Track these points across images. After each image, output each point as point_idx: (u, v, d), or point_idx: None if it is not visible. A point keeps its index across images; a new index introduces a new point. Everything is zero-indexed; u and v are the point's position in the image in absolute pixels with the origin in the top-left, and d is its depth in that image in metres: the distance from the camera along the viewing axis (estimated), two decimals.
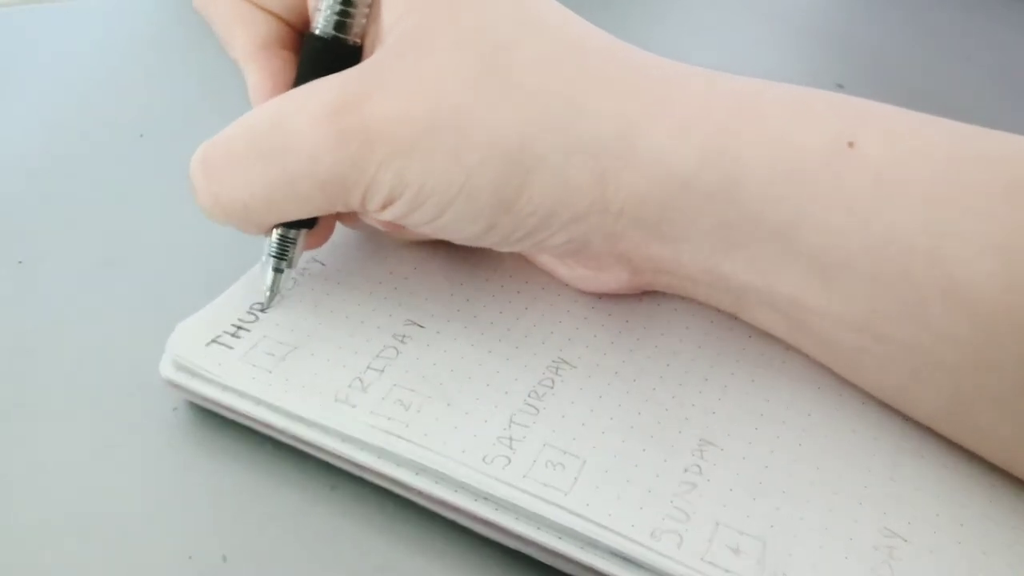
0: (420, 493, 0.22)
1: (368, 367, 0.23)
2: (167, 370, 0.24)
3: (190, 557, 0.21)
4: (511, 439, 0.22)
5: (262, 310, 0.25)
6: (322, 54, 0.23)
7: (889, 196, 0.21)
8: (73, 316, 0.27)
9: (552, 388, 0.23)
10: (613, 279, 0.26)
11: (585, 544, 0.20)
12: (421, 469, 0.21)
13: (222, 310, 0.25)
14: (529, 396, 0.23)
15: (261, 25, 0.24)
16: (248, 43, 0.24)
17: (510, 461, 0.21)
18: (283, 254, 0.25)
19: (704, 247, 0.23)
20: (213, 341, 0.24)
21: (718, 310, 0.27)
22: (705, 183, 0.22)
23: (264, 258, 0.25)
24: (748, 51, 0.45)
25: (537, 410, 0.23)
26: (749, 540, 0.20)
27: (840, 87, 0.40)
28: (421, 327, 0.25)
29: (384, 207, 0.23)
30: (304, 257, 0.26)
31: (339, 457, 0.22)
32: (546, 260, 0.27)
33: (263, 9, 0.25)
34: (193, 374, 0.23)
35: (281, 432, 0.23)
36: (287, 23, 0.25)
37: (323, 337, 0.24)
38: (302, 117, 0.22)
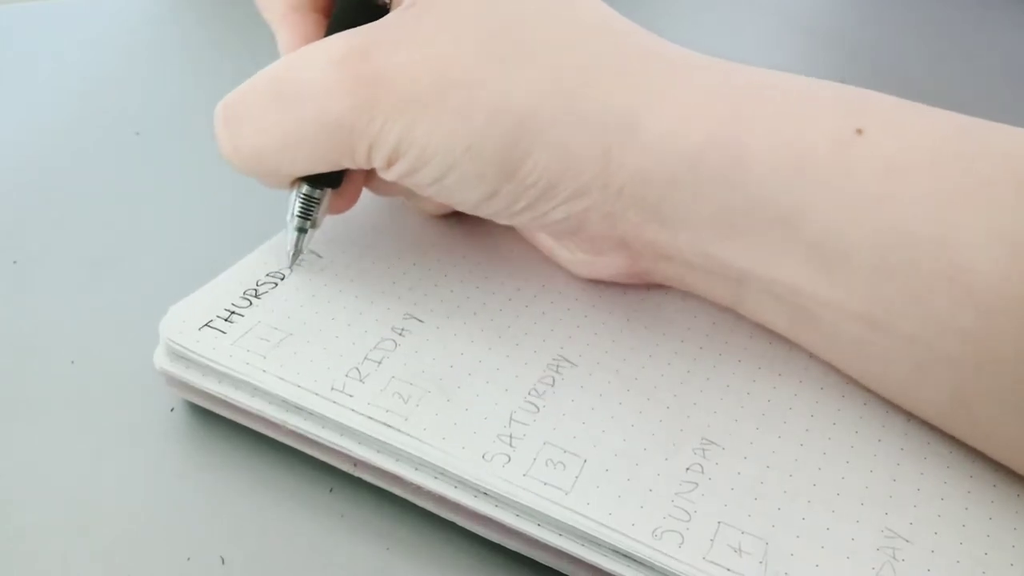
0: (419, 490, 0.21)
1: (366, 358, 0.23)
2: (161, 360, 0.23)
3: (188, 559, 0.21)
4: (511, 437, 0.22)
5: (289, 268, 0.25)
6: (351, 12, 0.24)
7: (896, 185, 0.21)
8: (68, 316, 0.27)
9: (553, 386, 0.23)
10: (611, 264, 0.26)
11: (586, 542, 0.20)
12: (420, 464, 0.21)
13: (215, 294, 0.25)
14: (529, 394, 0.23)
15: None
16: (281, 4, 0.25)
17: (510, 459, 0.21)
18: (307, 213, 0.25)
19: (704, 232, 0.23)
20: (206, 325, 0.24)
21: (719, 308, 0.26)
22: (710, 166, 0.22)
23: (288, 218, 0.25)
24: (749, 49, 0.45)
25: (537, 408, 0.23)
26: (751, 540, 0.20)
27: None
28: (420, 321, 0.25)
29: (389, 164, 0.23)
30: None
31: (337, 453, 0.22)
32: (544, 241, 0.27)
33: None
34: (187, 361, 0.23)
35: (278, 428, 0.23)
36: None
37: (319, 326, 0.24)
38: (315, 64, 0.22)
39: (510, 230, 0.29)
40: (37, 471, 0.22)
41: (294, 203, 0.25)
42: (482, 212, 0.24)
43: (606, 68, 0.22)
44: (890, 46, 0.49)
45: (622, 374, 0.24)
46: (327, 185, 0.25)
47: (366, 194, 0.28)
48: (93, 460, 0.23)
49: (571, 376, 0.24)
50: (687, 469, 0.21)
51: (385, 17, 0.23)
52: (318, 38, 0.24)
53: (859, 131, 0.21)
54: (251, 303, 0.25)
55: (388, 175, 0.23)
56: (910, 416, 0.24)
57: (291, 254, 0.26)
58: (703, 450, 0.22)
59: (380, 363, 0.23)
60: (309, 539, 0.21)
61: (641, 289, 0.27)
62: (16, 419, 0.24)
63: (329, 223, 0.28)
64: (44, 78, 0.40)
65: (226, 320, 0.24)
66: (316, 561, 0.21)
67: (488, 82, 0.22)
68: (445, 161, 0.22)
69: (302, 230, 0.25)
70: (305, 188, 0.25)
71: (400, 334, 0.24)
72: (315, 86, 0.22)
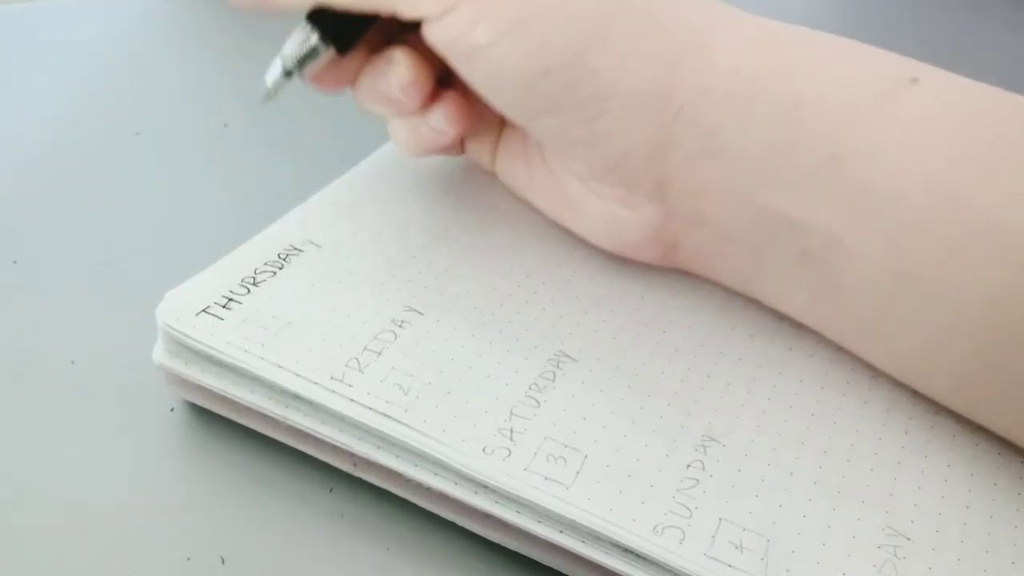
0: (419, 488, 0.21)
1: (365, 348, 0.23)
2: (160, 355, 0.23)
3: (188, 559, 0.21)
4: (512, 431, 0.22)
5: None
6: None
7: (941, 138, 0.21)
8: (69, 316, 0.27)
9: (553, 381, 0.23)
10: (641, 222, 0.25)
11: (587, 538, 0.20)
12: (420, 458, 0.21)
13: (213, 280, 0.24)
14: (530, 389, 0.23)
15: None
16: None
17: (510, 453, 0.21)
18: (302, 62, 0.24)
19: (750, 172, 0.23)
20: (203, 311, 0.23)
21: (721, 306, 0.26)
22: (766, 96, 0.22)
23: (281, 55, 0.24)
24: None
25: (538, 403, 0.22)
26: (752, 536, 0.20)
27: None
28: (420, 314, 0.25)
29: (444, 15, 0.22)
30: (301, 239, 0.26)
31: (337, 451, 0.22)
32: (572, 187, 0.26)
33: None
34: (186, 356, 0.23)
35: (278, 425, 0.22)
36: None
37: (318, 316, 0.24)
38: None
39: (515, 222, 0.29)
40: (37, 471, 0.22)
41: (295, 44, 0.24)
42: (530, 108, 0.23)
43: None
44: (890, 46, 0.49)
45: (623, 370, 0.24)
46: (336, 43, 0.24)
47: (365, 186, 0.27)
48: (93, 460, 0.23)
49: (572, 371, 0.24)
50: (688, 466, 0.21)
51: None
52: None
53: (914, 80, 0.22)
54: (249, 290, 0.24)
55: (439, 28, 0.22)
56: (912, 414, 0.24)
57: (267, 92, 0.24)
58: (704, 447, 0.22)
59: (380, 354, 0.23)
60: (309, 539, 0.21)
61: (644, 286, 0.27)
62: (16, 419, 0.24)
63: (329, 213, 0.28)
64: (44, 78, 0.40)
65: (224, 307, 0.24)
66: (316, 561, 0.21)
67: None
68: (512, 17, 0.21)
69: (288, 73, 0.24)
70: (315, 36, 0.24)
71: (400, 326, 0.24)
72: None
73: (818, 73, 0.22)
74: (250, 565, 0.21)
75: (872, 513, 0.21)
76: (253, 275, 0.25)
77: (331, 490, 0.22)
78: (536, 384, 0.23)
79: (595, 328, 0.25)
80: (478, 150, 0.29)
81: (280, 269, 0.25)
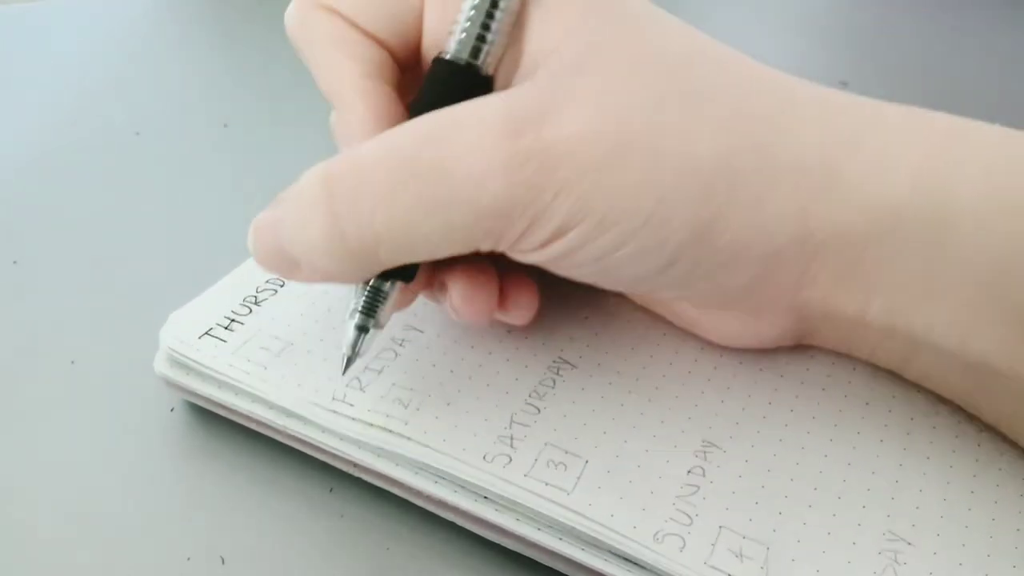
0: (419, 494, 0.21)
1: (366, 367, 0.23)
2: (161, 366, 0.23)
3: (188, 558, 0.21)
4: (512, 438, 0.22)
5: (282, 285, 0.23)
6: (452, 81, 0.21)
7: None
8: (69, 316, 0.27)
9: (553, 388, 0.23)
10: (771, 328, 0.23)
11: (586, 545, 0.20)
12: (420, 468, 0.21)
13: (215, 301, 0.25)
14: (530, 396, 0.23)
15: (369, 53, 0.22)
16: (354, 72, 0.21)
17: (511, 460, 0.21)
18: (371, 310, 0.21)
19: (900, 296, 0.21)
20: (206, 333, 0.24)
21: None
22: (915, 218, 0.20)
23: (348, 313, 0.21)
24: (750, 47, 0.45)
25: (538, 410, 0.22)
26: (752, 544, 0.20)
27: (844, 84, 0.40)
28: (420, 332, 0.25)
29: (550, 241, 0.20)
30: None
31: (337, 456, 0.22)
32: (688, 313, 0.24)
33: (372, 37, 0.22)
34: (187, 369, 0.23)
35: (279, 431, 0.23)
36: (394, 54, 0.22)
37: (319, 336, 0.24)
38: (465, 137, 0.19)
39: None
40: (37, 471, 0.22)
41: (359, 297, 0.21)
42: (644, 287, 0.22)
43: (789, 114, 0.20)
44: (891, 44, 0.49)
45: (623, 375, 0.24)
46: (399, 278, 0.21)
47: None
48: (93, 460, 0.23)
49: (572, 378, 0.24)
50: (688, 472, 0.21)
51: (531, 83, 0.20)
52: (395, 115, 0.21)
53: None
54: (251, 310, 0.25)
55: (541, 255, 0.20)
56: (913, 416, 0.24)
57: (346, 356, 0.21)
58: (704, 452, 0.22)
59: (381, 372, 0.23)
60: (309, 539, 0.21)
61: None
62: (16, 419, 0.24)
63: None
64: (44, 78, 0.39)
65: (226, 328, 0.24)
66: (316, 561, 0.21)
67: (672, 134, 0.19)
68: (626, 230, 0.19)
69: (363, 328, 0.21)
70: (374, 280, 0.21)
71: (401, 344, 0.24)
72: (470, 161, 0.19)
73: (974, 173, 0.20)
74: (250, 565, 0.21)
75: (873, 518, 0.21)
76: (255, 294, 0.25)
77: (331, 490, 0.22)
78: (536, 391, 0.23)
79: (595, 332, 0.25)
80: None
81: (281, 287, 0.26)
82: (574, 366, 0.24)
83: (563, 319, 0.26)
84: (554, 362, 0.24)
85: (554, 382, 0.23)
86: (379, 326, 0.21)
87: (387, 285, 0.21)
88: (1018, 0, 0.54)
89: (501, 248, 0.20)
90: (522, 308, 0.23)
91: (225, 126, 0.37)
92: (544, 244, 0.20)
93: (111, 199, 0.32)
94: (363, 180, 0.19)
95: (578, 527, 0.20)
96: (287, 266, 0.20)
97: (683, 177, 0.19)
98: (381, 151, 0.19)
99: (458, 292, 0.22)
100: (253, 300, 0.25)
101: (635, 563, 0.20)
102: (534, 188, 0.19)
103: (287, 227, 0.20)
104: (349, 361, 0.21)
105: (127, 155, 0.35)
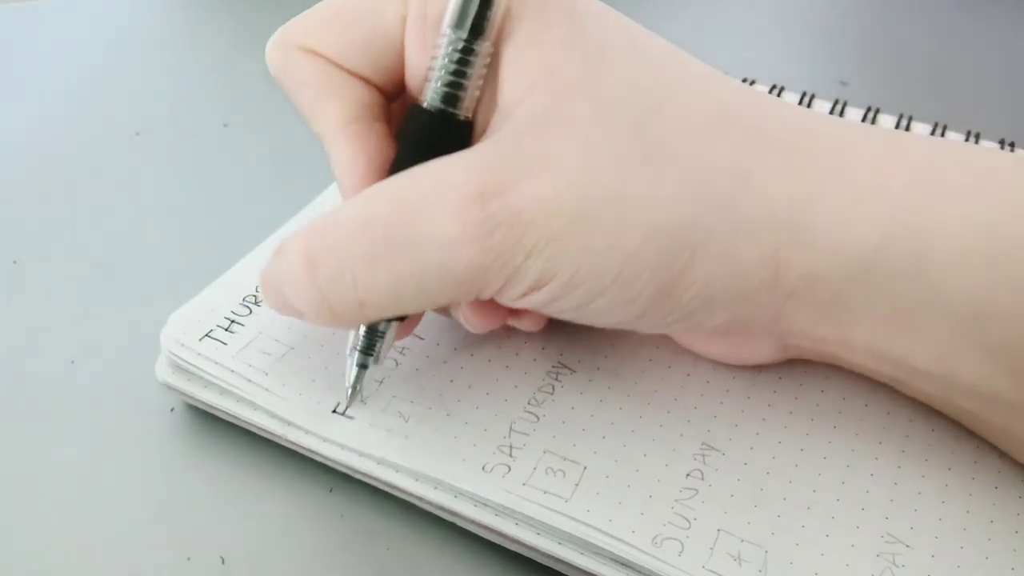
0: (419, 499, 0.21)
1: (367, 377, 0.23)
2: (163, 372, 0.23)
3: (188, 559, 0.21)
4: (511, 447, 0.22)
5: (343, 412, 0.22)
6: (430, 129, 0.21)
7: None
8: (69, 316, 0.27)
9: (552, 394, 0.23)
10: (759, 352, 0.24)
11: (586, 550, 0.20)
12: (420, 476, 0.21)
13: (214, 300, 0.25)
14: (529, 403, 0.23)
15: (354, 93, 0.22)
16: (339, 114, 0.22)
17: (510, 469, 0.21)
18: (370, 349, 0.22)
19: (879, 329, 0.21)
20: (206, 336, 0.23)
21: None
22: (888, 262, 0.20)
23: (348, 352, 0.22)
24: (750, 48, 0.45)
25: (537, 417, 0.23)
26: (750, 548, 0.20)
27: (844, 84, 0.40)
28: (420, 339, 0.25)
29: (525, 295, 0.20)
30: None
31: (337, 462, 0.22)
32: (682, 336, 0.25)
33: (357, 76, 0.22)
34: (189, 375, 0.23)
35: (279, 438, 0.23)
36: (381, 91, 0.22)
37: (319, 342, 0.24)
38: (435, 206, 0.19)
39: None
40: (37, 471, 0.23)
41: (358, 338, 0.22)
42: (628, 327, 0.22)
43: (757, 158, 0.20)
44: (890, 45, 0.49)
45: (622, 379, 0.24)
46: (395, 318, 0.22)
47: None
48: (93, 460, 0.23)
49: (571, 383, 0.24)
50: (687, 475, 0.21)
51: (496, 141, 0.20)
52: (384, 153, 0.22)
53: None
54: (251, 311, 0.25)
55: (520, 303, 0.21)
56: (912, 417, 0.24)
57: (350, 393, 0.22)
58: (703, 456, 0.22)
59: (381, 383, 0.23)
60: (309, 539, 0.21)
61: None
62: (16, 419, 0.24)
63: None
64: (44, 78, 0.39)
65: (226, 330, 0.24)
66: (316, 561, 0.21)
67: (637, 198, 0.19)
68: (593, 288, 0.20)
69: (363, 366, 0.22)
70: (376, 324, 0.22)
71: (401, 352, 0.24)
72: (439, 231, 0.19)
73: (950, 211, 0.20)
74: (250, 565, 0.21)
75: (871, 520, 0.21)
76: (255, 293, 0.25)
77: (331, 490, 0.23)
78: (535, 398, 0.23)
79: (593, 336, 0.25)
80: None
81: None
82: (573, 371, 0.24)
83: (561, 324, 0.26)
84: (553, 367, 0.24)
85: (553, 388, 0.23)
86: (378, 362, 0.22)
87: (383, 325, 0.22)
88: (1019, 1, 0.54)
89: (484, 299, 0.21)
90: (534, 315, 0.23)
91: (225, 126, 0.37)
92: (523, 295, 0.20)
93: (111, 199, 0.32)
94: (341, 257, 0.20)
95: (577, 533, 0.20)
96: (295, 314, 0.21)
97: (647, 241, 0.19)
98: (356, 225, 0.20)
99: (469, 305, 0.22)
100: (253, 299, 0.25)
101: (634, 568, 0.20)
102: (504, 253, 0.19)
103: (284, 286, 0.21)
104: (352, 397, 0.22)
105: (127, 155, 0.35)
